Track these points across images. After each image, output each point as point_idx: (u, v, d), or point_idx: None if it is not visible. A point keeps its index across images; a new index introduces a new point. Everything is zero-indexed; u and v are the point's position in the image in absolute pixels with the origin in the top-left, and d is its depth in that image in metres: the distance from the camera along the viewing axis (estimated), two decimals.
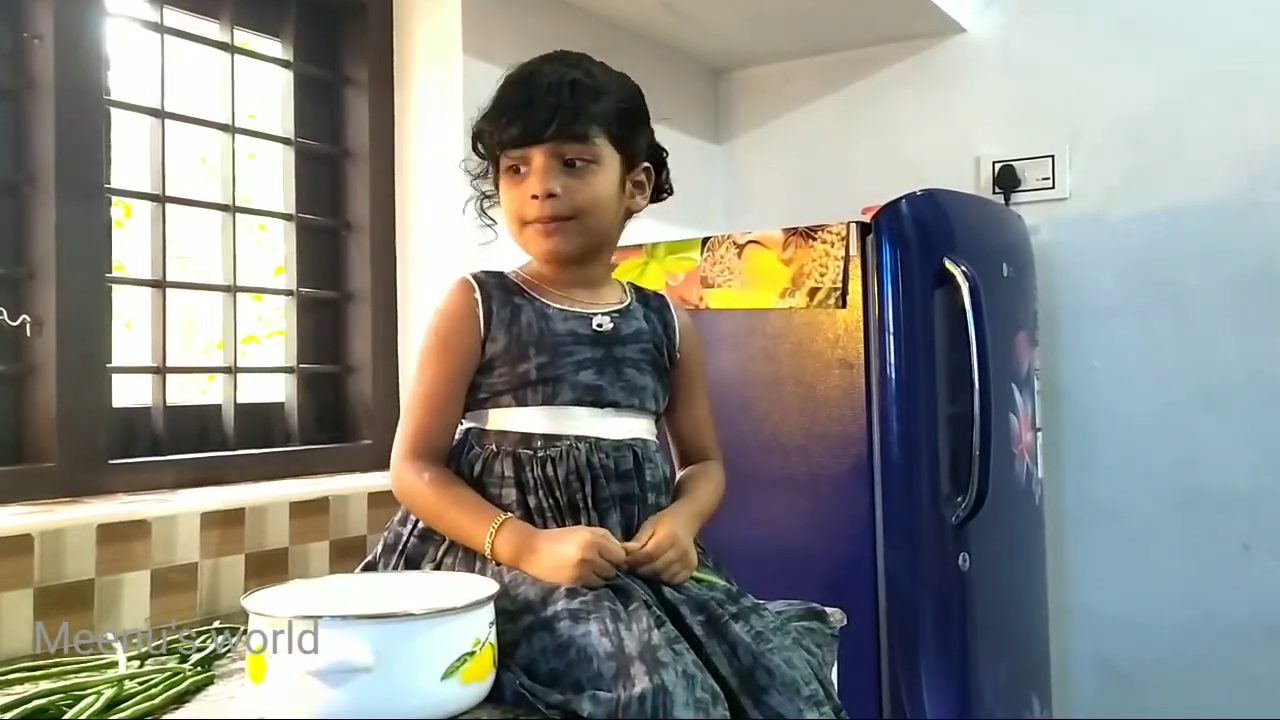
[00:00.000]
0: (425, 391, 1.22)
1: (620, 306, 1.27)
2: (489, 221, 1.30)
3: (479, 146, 1.25)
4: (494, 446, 1.19)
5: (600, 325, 1.23)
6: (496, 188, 1.26)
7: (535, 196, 1.18)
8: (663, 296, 1.35)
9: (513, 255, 1.30)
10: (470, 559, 1.16)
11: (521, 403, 1.19)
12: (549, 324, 1.21)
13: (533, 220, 1.20)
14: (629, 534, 1.17)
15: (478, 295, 1.21)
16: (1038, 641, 2.24)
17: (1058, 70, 2.47)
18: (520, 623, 1.06)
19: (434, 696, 0.97)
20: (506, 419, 1.20)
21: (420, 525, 1.21)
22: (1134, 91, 2.39)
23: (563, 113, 1.17)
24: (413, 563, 1.20)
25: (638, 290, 1.33)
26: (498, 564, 1.14)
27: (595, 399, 1.19)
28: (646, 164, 1.28)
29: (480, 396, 1.21)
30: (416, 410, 1.22)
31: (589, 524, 1.15)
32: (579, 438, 1.18)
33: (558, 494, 1.16)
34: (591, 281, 1.27)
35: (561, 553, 1.09)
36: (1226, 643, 2.27)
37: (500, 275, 1.26)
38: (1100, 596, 2.40)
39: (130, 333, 1.91)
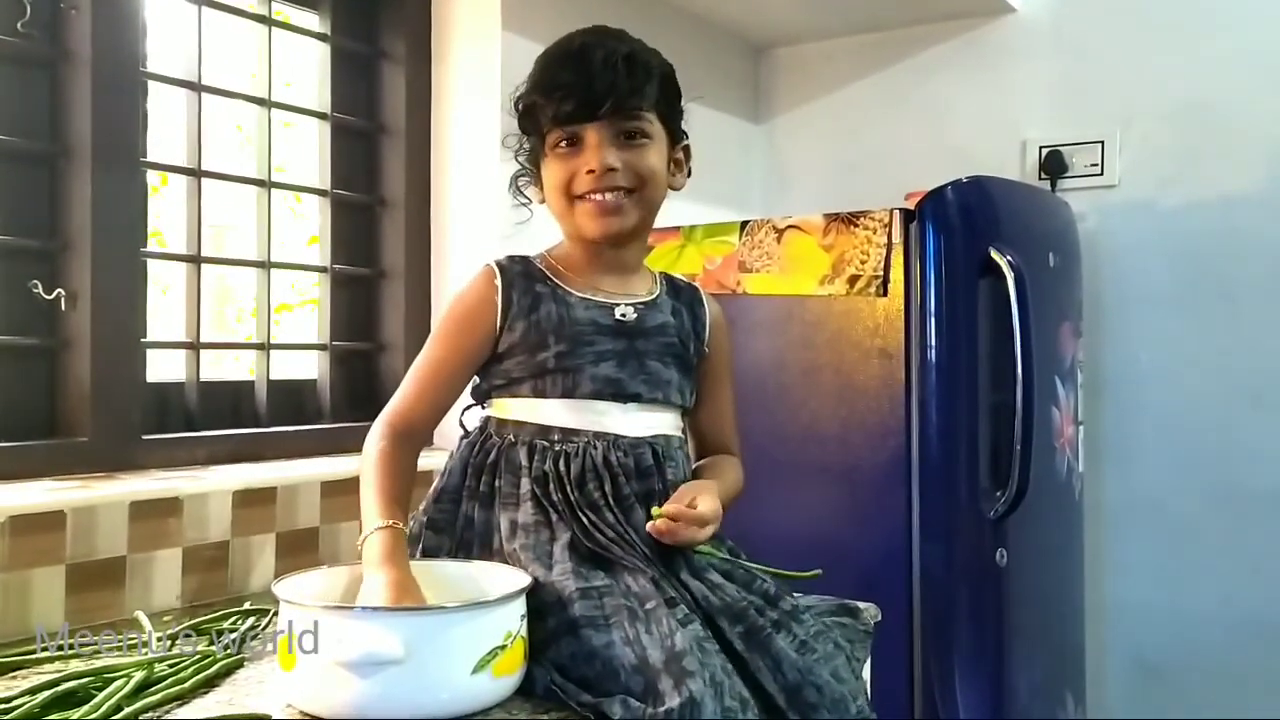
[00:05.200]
0: (423, 371, 1.20)
1: (647, 298, 1.24)
2: (524, 200, 1.27)
3: (525, 121, 1.21)
4: (512, 437, 1.17)
5: (624, 315, 1.20)
6: (535, 164, 1.23)
7: (591, 171, 1.16)
8: (695, 289, 1.32)
9: (548, 234, 1.28)
10: (486, 554, 1.14)
11: (540, 394, 1.17)
12: (569, 312, 1.18)
13: (585, 193, 1.17)
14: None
15: (499, 282, 1.19)
16: (1074, 639, 2.21)
17: (1110, 53, 2.40)
18: (546, 623, 1.04)
19: (465, 690, 0.96)
20: (525, 410, 1.18)
21: (431, 518, 1.19)
22: (1189, 76, 2.32)
23: (619, 88, 1.15)
24: (430, 554, 1.17)
25: (670, 281, 1.30)
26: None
27: (616, 392, 1.17)
28: (685, 143, 1.27)
29: (498, 384, 1.19)
30: (410, 385, 1.20)
31: (615, 521, 1.12)
32: (598, 434, 1.15)
33: (570, 491, 1.13)
34: (623, 267, 1.24)
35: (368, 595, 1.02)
36: (1266, 643, 2.23)
37: (525, 261, 1.23)
38: (1138, 593, 2.36)
39: (165, 299, 1.91)
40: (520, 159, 1.26)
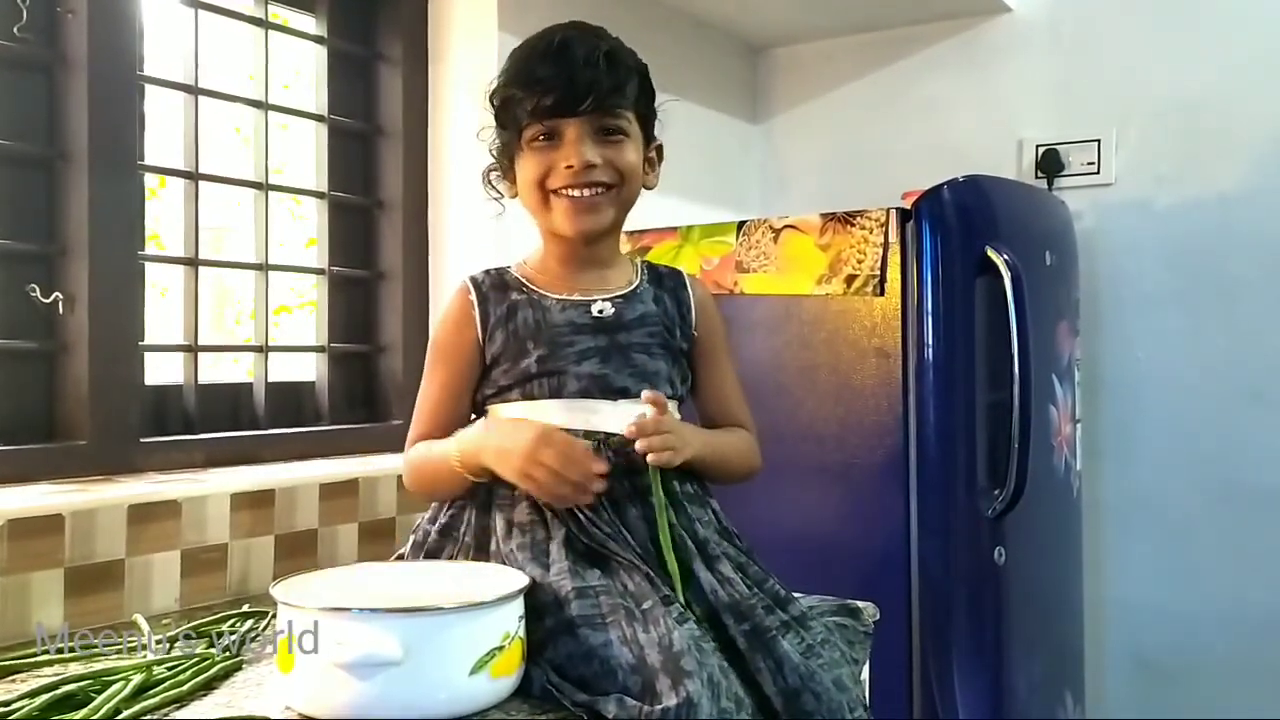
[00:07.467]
0: (427, 398, 1.24)
1: (626, 290, 1.23)
2: (496, 194, 1.28)
3: (502, 114, 1.22)
4: None
5: (601, 312, 1.20)
6: (509, 158, 1.23)
7: (570, 166, 1.16)
8: (679, 273, 1.31)
9: (532, 228, 1.27)
10: (483, 556, 1.15)
11: (529, 397, 1.18)
12: (546, 315, 1.19)
13: (562, 188, 1.17)
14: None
15: (473, 297, 1.21)
16: (1073, 637, 2.21)
17: (1106, 51, 2.40)
18: (544, 623, 1.04)
19: (462, 691, 0.96)
20: (517, 413, 1.18)
21: (441, 522, 1.19)
22: (1185, 74, 2.32)
23: (601, 84, 1.15)
24: (432, 558, 1.18)
25: (651, 269, 1.29)
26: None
27: (603, 388, 1.17)
28: (657, 144, 1.27)
29: (489, 393, 1.21)
30: (420, 412, 1.25)
31: (609, 519, 1.12)
32: (589, 433, 1.15)
33: None
34: (599, 262, 1.24)
35: (510, 451, 1.10)
36: (1266, 639, 2.23)
37: (501, 272, 1.24)
38: (1137, 592, 2.36)
39: (164, 302, 1.92)
40: (493, 152, 1.26)
